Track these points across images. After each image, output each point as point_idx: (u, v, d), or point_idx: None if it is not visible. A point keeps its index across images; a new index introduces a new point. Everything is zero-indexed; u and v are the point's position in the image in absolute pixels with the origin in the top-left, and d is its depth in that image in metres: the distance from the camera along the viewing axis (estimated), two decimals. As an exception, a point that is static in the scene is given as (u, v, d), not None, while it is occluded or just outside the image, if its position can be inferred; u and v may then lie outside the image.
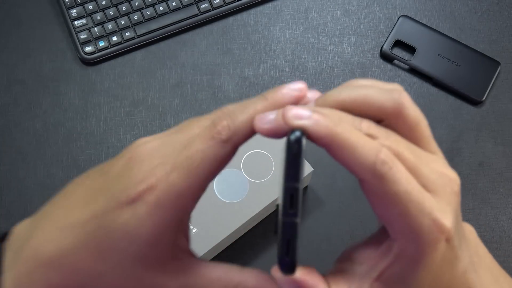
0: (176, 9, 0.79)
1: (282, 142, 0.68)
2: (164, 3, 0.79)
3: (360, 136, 0.27)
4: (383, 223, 0.29)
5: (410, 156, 0.28)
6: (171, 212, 0.27)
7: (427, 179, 0.28)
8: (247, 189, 0.67)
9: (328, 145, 0.27)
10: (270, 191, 0.67)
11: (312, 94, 0.30)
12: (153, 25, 0.78)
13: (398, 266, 0.28)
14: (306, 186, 0.73)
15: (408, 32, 0.79)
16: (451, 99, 0.77)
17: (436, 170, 0.29)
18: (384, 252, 0.29)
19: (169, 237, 0.28)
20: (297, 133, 0.28)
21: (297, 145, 0.27)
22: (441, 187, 0.28)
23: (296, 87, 0.29)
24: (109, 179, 0.28)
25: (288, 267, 0.29)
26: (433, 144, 0.30)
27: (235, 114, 0.29)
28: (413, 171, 0.28)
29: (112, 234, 0.27)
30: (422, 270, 0.28)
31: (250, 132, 0.29)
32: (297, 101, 0.29)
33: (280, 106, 0.29)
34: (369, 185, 0.28)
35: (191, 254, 0.31)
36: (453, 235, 0.28)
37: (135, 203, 0.26)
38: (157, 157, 0.28)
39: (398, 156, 0.28)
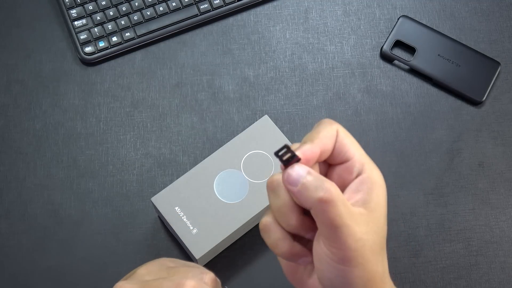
0: (176, 10, 0.79)
1: (282, 142, 0.68)
2: (164, 4, 0.79)
3: None
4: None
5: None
6: None
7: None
8: (247, 189, 0.66)
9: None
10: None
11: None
12: (153, 26, 0.78)
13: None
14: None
15: (408, 33, 0.79)
16: (451, 99, 0.77)
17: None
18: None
19: None
20: None
21: None
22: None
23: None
24: None
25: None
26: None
27: None
28: None
29: None
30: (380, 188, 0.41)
31: None
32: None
33: None
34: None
35: None
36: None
37: None
38: None
39: None
